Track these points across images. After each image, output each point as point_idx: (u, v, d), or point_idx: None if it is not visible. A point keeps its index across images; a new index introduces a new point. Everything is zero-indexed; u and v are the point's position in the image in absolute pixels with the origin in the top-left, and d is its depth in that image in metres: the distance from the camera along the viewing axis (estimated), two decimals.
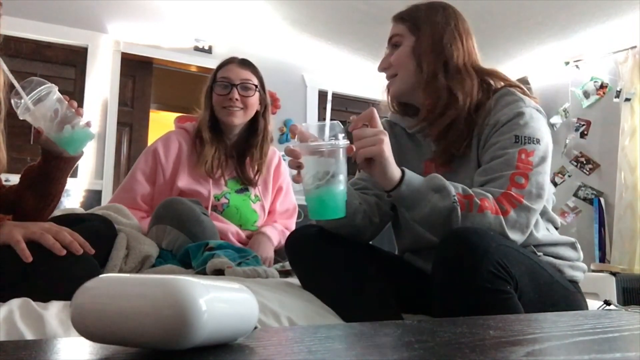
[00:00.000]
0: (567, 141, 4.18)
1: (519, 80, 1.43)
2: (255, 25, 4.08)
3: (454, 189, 1.08)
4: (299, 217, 2.04)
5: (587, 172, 4.11)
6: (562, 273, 1.20)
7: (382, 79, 1.37)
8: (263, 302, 1.03)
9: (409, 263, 1.34)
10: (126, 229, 1.41)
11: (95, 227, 1.24)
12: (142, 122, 3.94)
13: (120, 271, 1.29)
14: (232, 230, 1.76)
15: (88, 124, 1.25)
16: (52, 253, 1.00)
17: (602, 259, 3.81)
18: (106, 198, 3.48)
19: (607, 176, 3.96)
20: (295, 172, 1.01)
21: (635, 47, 3.83)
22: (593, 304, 1.23)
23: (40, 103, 1.17)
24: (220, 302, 0.44)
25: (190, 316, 0.40)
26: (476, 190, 1.09)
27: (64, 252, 1.01)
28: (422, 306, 1.17)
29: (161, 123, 4.49)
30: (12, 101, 1.17)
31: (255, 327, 0.52)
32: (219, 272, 1.33)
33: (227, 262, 1.34)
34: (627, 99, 3.81)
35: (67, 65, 3.65)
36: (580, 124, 4.17)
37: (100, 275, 0.46)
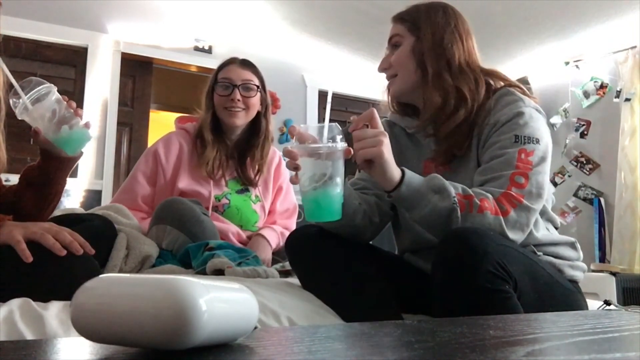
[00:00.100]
0: (567, 141, 4.18)
1: (519, 80, 1.43)
2: (255, 25, 4.08)
3: (454, 189, 1.08)
4: (299, 217, 2.04)
5: (587, 172, 4.11)
6: (562, 273, 1.20)
7: (382, 79, 1.37)
8: (263, 302, 1.03)
9: (409, 263, 1.34)
10: (126, 229, 1.41)
11: (95, 227, 1.23)
12: (142, 122, 3.94)
13: (120, 271, 1.29)
14: (232, 230, 1.76)
15: (87, 125, 1.25)
16: (52, 253, 1.00)
17: (602, 259, 3.81)
18: (106, 198, 3.48)
19: (607, 176, 3.96)
20: (293, 173, 1.01)
21: (635, 47, 3.83)
22: (593, 304, 1.22)
23: (39, 103, 1.17)
24: (220, 302, 0.44)
25: (190, 316, 0.40)
26: (476, 191, 1.09)
27: (64, 252, 1.01)
28: (422, 306, 1.17)
29: (161, 123, 4.49)
30: (11, 101, 1.17)
31: (255, 327, 0.52)
32: (219, 272, 1.33)
33: (227, 262, 1.34)
34: (627, 99, 3.81)
35: (67, 65, 3.65)
36: (580, 124, 4.17)
37: (100, 275, 0.46)
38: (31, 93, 1.16)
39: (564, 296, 1.14)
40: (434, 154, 1.27)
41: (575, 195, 4.14)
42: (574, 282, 1.22)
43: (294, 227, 1.92)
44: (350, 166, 1.03)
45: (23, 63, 3.40)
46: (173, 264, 1.44)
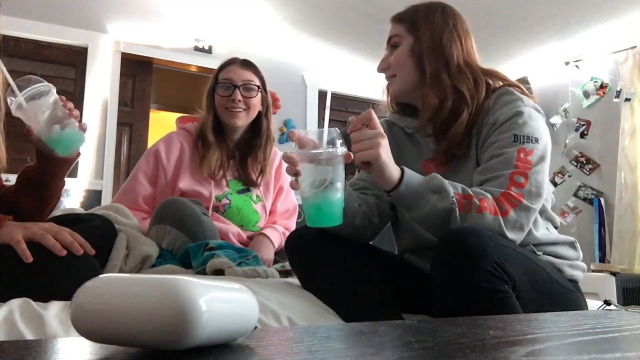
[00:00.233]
0: (567, 141, 4.18)
1: (518, 80, 1.44)
2: (255, 25, 4.08)
3: (454, 189, 1.08)
4: (299, 217, 2.04)
5: (587, 172, 4.11)
6: (561, 272, 1.20)
7: (382, 79, 1.37)
8: (263, 302, 1.03)
9: (409, 263, 1.34)
10: (126, 229, 1.41)
11: (95, 227, 1.23)
12: (142, 122, 3.94)
13: (120, 271, 1.29)
14: (233, 230, 1.76)
15: (82, 126, 1.24)
16: (52, 253, 1.00)
17: (602, 259, 3.81)
18: (106, 198, 3.48)
19: (607, 176, 3.96)
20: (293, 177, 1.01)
21: (635, 47, 3.83)
22: (593, 304, 1.22)
23: (33, 101, 1.16)
24: (220, 302, 0.44)
25: (190, 316, 0.40)
26: (476, 190, 1.09)
27: (64, 252, 1.01)
28: (422, 306, 1.17)
29: (161, 123, 4.49)
30: (8, 99, 1.16)
31: (255, 327, 0.52)
32: (219, 272, 1.33)
33: (227, 262, 1.34)
34: (627, 99, 3.81)
35: (67, 65, 3.65)
36: (580, 124, 4.17)
37: (100, 275, 0.46)
38: (26, 91, 1.15)
39: (563, 296, 1.13)
40: (434, 154, 1.27)
41: (575, 195, 4.14)
42: (573, 281, 1.22)
43: (294, 227, 1.92)
44: (350, 166, 1.03)
45: (23, 63, 3.40)
46: (173, 264, 1.44)
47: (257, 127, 1.87)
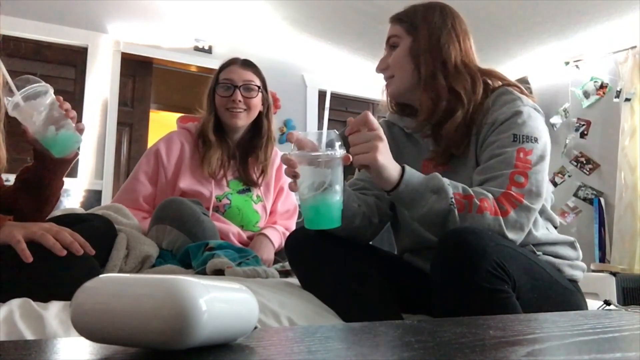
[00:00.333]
0: (567, 141, 4.18)
1: (518, 80, 1.44)
2: (255, 25, 4.08)
3: (454, 189, 1.08)
4: (299, 217, 2.04)
5: (587, 172, 4.11)
6: (561, 272, 1.20)
7: (382, 79, 1.37)
8: (263, 302, 1.03)
9: (409, 263, 1.34)
10: (126, 229, 1.41)
11: (95, 227, 1.23)
12: (142, 122, 3.94)
13: (120, 271, 1.29)
14: (233, 231, 1.76)
15: (79, 127, 1.23)
16: (52, 253, 1.00)
17: (602, 259, 3.81)
18: (106, 198, 3.48)
19: (607, 176, 3.96)
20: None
21: (635, 47, 3.83)
22: (593, 304, 1.22)
23: (29, 101, 1.15)
24: (220, 302, 0.44)
25: (190, 316, 0.40)
26: (476, 190, 1.09)
27: (65, 252, 1.01)
28: (422, 306, 1.17)
29: (161, 123, 4.50)
30: (5, 99, 1.16)
31: (255, 327, 0.52)
32: (219, 272, 1.33)
33: (227, 262, 1.34)
34: (627, 99, 3.81)
35: (67, 65, 3.65)
36: (580, 124, 4.17)
37: (100, 275, 0.46)
38: (23, 90, 1.14)
39: (563, 296, 1.14)
40: (433, 155, 1.27)
41: (575, 195, 4.14)
42: (573, 281, 1.22)
43: (294, 227, 1.92)
44: (350, 167, 1.03)
45: (23, 63, 3.40)
46: (173, 264, 1.44)
47: (258, 127, 1.88)
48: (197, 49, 4.02)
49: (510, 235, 1.07)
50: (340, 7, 3.66)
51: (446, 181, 1.09)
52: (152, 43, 3.86)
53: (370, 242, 1.36)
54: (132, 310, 0.41)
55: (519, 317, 0.86)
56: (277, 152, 1.96)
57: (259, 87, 1.82)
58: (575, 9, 3.46)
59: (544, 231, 1.23)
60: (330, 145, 0.96)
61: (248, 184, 1.86)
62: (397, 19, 1.34)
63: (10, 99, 1.14)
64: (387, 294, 1.17)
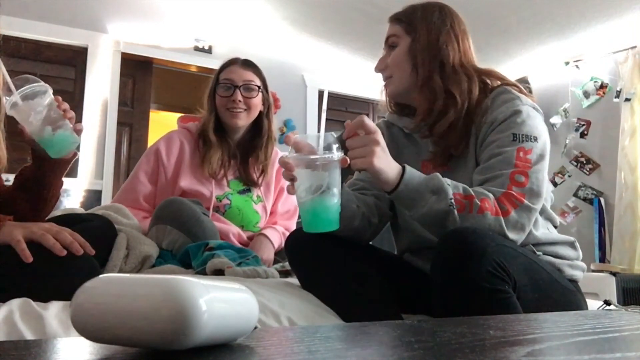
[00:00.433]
0: (567, 141, 4.18)
1: (518, 80, 1.44)
2: (255, 25, 4.08)
3: (455, 189, 1.08)
4: (299, 217, 2.04)
5: (587, 172, 4.11)
6: (561, 272, 1.20)
7: (381, 79, 1.37)
8: (263, 302, 1.03)
9: (409, 263, 1.34)
10: (126, 229, 1.41)
11: (95, 227, 1.23)
12: (142, 122, 3.94)
13: (120, 271, 1.29)
14: (233, 231, 1.76)
15: (76, 127, 1.23)
16: (52, 253, 1.00)
17: (602, 259, 3.81)
18: (106, 198, 3.48)
19: (607, 176, 3.96)
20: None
21: (635, 47, 3.83)
22: (593, 304, 1.22)
23: (27, 101, 1.15)
24: (220, 302, 0.44)
25: (190, 316, 0.40)
26: (477, 190, 1.09)
27: (65, 252, 1.01)
28: (422, 306, 1.17)
29: (161, 123, 4.50)
30: (4, 98, 1.16)
31: (255, 327, 0.52)
32: (219, 272, 1.33)
33: (227, 262, 1.34)
34: (627, 99, 3.81)
35: (67, 65, 3.65)
36: (580, 124, 4.17)
37: (100, 275, 0.46)
38: (21, 90, 1.14)
39: (563, 296, 1.13)
40: (432, 155, 1.27)
41: (575, 195, 4.14)
42: (573, 281, 1.22)
43: (294, 228, 1.92)
44: (348, 168, 1.03)
45: (23, 63, 3.40)
46: (173, 264, 1.44)
47: (258, 127, 1.88)
48: (197, 49, 4.02)
49: (511, 235, 1.07)
50: (340, 7, 3.66)
51: (446, 181, 1.09)
52: (152, 43, 3.86)
53: (370, 242, 1.36)
54: (132, 310, 0.41)
55: (519, 317, 0.86)
56: (278, 152, 1.96)
57: (259, 87, 1.82)
58: (575, 9, 3.46)
59: (544, 230, 1.23)
60: (327, 148, 0.95)
61: (248, 184, 1.86)
62: (396, 19, 1.33)
63: (9, 98, 1.14)
64: (387, 294, 1.17)
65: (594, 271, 3.43)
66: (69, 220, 1.18)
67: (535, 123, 1.18)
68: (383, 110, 1.42)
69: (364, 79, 4.35)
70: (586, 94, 4.16)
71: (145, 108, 3.98)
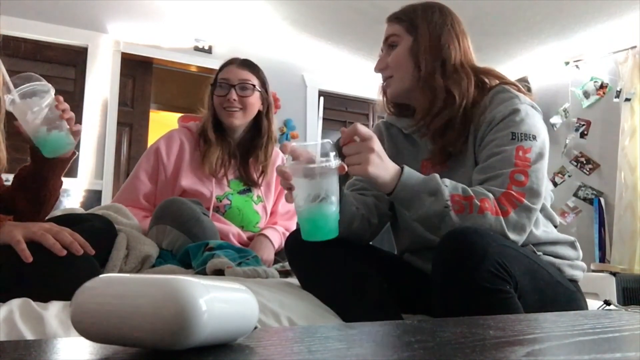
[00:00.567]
0: (567, 141, 4.18)
1: (518, 80, 1.44)
2: (255, 25, 4.09)
3: (454, 190, 1.07)
4: None
5: (587, 172, 4.11)
6: (561, 272, 1.20)
7: (381, 79, 1.37)
8: (263, 302, 1.03)
9: (409, 263, 1.34)
10: (126, 229, 1.41)
11: (95, 227, 1.23)
12: (142, 122, 3.94)
13: (120, 271, 1.29)
14: (233, 231, 1.76)
15: (74, 129, 1.22)
16: (52, 253, 1.00)
17: (602, 259, 3.82)
18: (106, 198, 3.48)
19: (607, 176, 3.96)
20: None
21: (635, 47, 3.83)
22: (593, 304, 1.22)
23: (25, 99, 1.15)
24: (220, 302, 0.44)
25: (190, 316, 0.40)
26: (477, 190, 1.09)
27: (65, 252, 1.00)
28: (422, 306, 1.17)
29: (161, 123, 4.50)
30: (5, 96, 1.16)
31: (255, 327, 0.52)
32: (219, 272, 1.33)
33: (227, 262, 1.34)
34: (627, 99, 3.82)
35: (67, 65, 3.65)
36: (580, 124, 4.17)
37: (100, 275, 0.46)
38: (20, 88, 1.14)
39: (564, 296, 1.13)
40: (430, 154, 1.27)
41: (575, 195, 4.14)
42: (573, 281, 1.22)
43: (294, 228, 1.92)
44: (347, 175, 1.03)
45: (23, 63, 3.40)
46: (173, 264, 1.44)
47: (258, 127, 1.88)
48: (197, 49, 4.02)
49: (512, 236, 1.07)
50: (340, 7, 3.66)
51: (445, 182, 1.09)
52: (152, 43, 3.86)
53: (370, 242, 1.36)
54: (132, 310, 0.41)
55: (519, 317, 0.86)
56: (278, 153, 1.96)
57: (254, 86, 1.82)
58: (575, 9, 3.46)
59: (544, 229, 1.23)
60: (325, 155, 0.94)
61: (249, 184, 1.86)
62: (395, 18, 1.33)
63: (8, 95, 1.14)
64: (387, 294, 1.17)
65: (594, 271, 3.43)
66: (69, 220, 1.18)
67: (534, 121, 1.18)
68: (381, 110, 1.42)
69: (363, 79, 4.35)
70: (586, 94, 4.16)
71: (145, 108, 3.98)
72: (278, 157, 1.95)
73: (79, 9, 3.63)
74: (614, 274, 3.33)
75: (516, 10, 3.49)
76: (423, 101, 1.25)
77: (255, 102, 1.83)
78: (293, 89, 4.35)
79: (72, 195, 3.46)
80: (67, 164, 1.30)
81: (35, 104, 1.16)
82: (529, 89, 1.31)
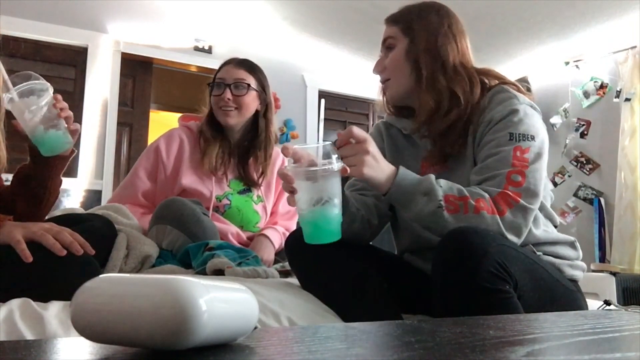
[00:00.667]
0: (567, 141, 4.18)
1: (518, 80, 1.43)
2: (255, 25, 4.09)
3: (449, 190, 1.08)
4: None
5: (587, 172, 4.11)
6: (561, 272, 1.20)
7: (379, 80, 1.37)
8: (263, 302, 1.03)
9: (409, 263, 1.34)
10: (126, 229, 1.41)
11: (95, 227, 1.23)
12: (142, 122, 3.95)
13: (120, 271, 1.29)
14: (232, 231, 1.76)
15: (72, 128, 1.22)
16: (52, 253, 1.00)
17: (602, 259, 3.82)
18: (106, 198, 3.48)
19: (607, 176, 3.96)
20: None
21: (635, 47, 3.83)
22: (593, 304, 1.22)
23: (23, 98, 1.15)
24: (220, 302, 0.44)
25: (190, 316, 0.40)
26: (472, 190, 1.09)
27: (65, 252, 1.01)
28: (422, 306, 1.17)
29: (161, 123, 4.50)
30: (3, 95, 1.16)
31: (255, 327, 0.52)
32: (219, 272, 1.33)
33: (227, 262, 1.34)
34: (627, 99, 3.82)
35: (67, 65, 3.65)
36: (580, 124, 4.17)
37: (100, 275, 0.46)
38: (19, 86, 1.14)
39: (564, 296, 1.13)
40: (429, 154, 1.27)
41: (575, 195, 4.14)
42: (573, 281, 1.22)
43: (294, 228, 1.92)
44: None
45: (23, 63, 3.40)
46: (173, 264, 1.44)
47: (257, 126, 1.88)
48: (197, 49, 4.02)
49: (509, 235, 1.07)
50: (340, 7, 3.66)
51: (440, 183, 1.09)
52: (152, 43, 3.86)
53: (370, 242, 1.36)
54: (132, 310, 0.41)
55: (519, 317, 0.86)
56: (279, 153, 1.96)
57: (248, 86, 1.82)
58: (575, 9, 3.46)
59: (544, 228, 1.23)
60: (326, 157, 0.94)
61: (249, 184, 1.86)
62: (392, 20, 1.33)
63: (7, 94, 1.14)
64: (387, 294, 1.17)
65: (594, 271, 3.43)
66: (69, 220, 1.18)
67: (533, 122, 1.18)
68: (381, 110, 1.42)
69: (363, 79, 4.35)
70: (586, 94, 4.16)
71: (145, 108, 3.98)
72: (278, 158, 1.95)
73: (78, 9, 3.63)
74: (614, 274, 3.33)
75: (516, 10, 3.49)
76: (428, 103, 1.24)
77: (250, 101, 1.83)
78: (293, 89, 4.35)
79: (72, 195, 3.46)
80: (66, 163, 1.30)
81: (33, 103, 1.16)
82: (528, 89, 1.30)
